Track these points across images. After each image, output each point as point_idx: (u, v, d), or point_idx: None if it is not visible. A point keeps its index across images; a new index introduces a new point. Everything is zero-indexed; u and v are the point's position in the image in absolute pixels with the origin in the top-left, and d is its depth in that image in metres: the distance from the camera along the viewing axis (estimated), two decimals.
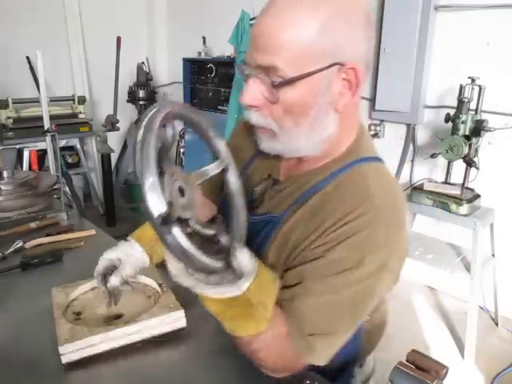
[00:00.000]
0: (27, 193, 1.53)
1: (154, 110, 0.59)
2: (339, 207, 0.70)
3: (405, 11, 2.54)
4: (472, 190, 2.37)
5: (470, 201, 2.26)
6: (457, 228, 2.43)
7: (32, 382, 0.81)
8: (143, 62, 4.01)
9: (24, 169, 3.20)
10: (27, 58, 3.63)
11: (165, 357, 0.86)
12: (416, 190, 2.45)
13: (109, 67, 3.74)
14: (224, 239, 0.65)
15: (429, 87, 2.65)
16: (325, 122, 0.70)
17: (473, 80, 2.20)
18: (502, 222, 2.41)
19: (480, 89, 2.21)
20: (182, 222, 0.58)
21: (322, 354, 0.73)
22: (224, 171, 0.72)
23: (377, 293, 0.73)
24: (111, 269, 0.88)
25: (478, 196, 2.34)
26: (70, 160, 3.79)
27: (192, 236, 0.60)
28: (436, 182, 2.52)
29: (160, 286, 0.98)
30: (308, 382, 0.79)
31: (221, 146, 0.72)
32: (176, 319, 0.89)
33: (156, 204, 0.53)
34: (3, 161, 3.01)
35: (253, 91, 0.68)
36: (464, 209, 2.24)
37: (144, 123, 0.58)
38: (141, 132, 0.57)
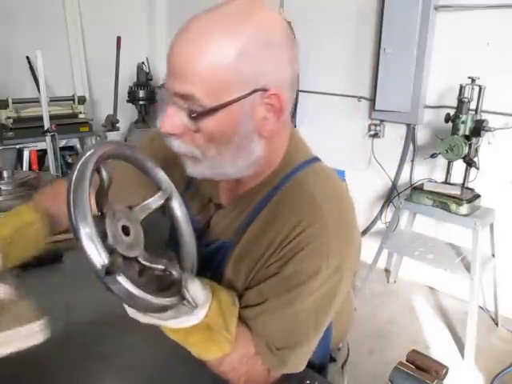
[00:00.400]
0: (27, 193, 1.53)
1: (87, 154, 0.57)
2: (286, 222, 0.69)
3: (405, 11, 2.54)
4: (472, 190, 2.37)
5: (470, 201, 2.27)
6: (457, 228, 2.43)
7: (32, 382, 0.81)
8: (143, 62, 4.01)
9: (24, 169, 3.20)
10: (27, 57, 3.63)
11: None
12: (416, 190, 2.45)
13: (109, 67, 3.74)
14: (175, 271, 0.62)
15: (429, 87, 2.65)
16: (249, 148, 0.68)
17: (473, 80, 2.20)
18: (502, 222, 2.41)
19: (480, 89, 2.21)
20: (130, 262, 0.57)
21: (295, 365, 0.74)
22: (168, 200, 0.70)
23: (338, 293, 0.73)
24: None
25: (478, 196, 2.34)
26: (69, 160, 3.78)
27: (142, 272, 0.60)
28: (436, 182, 2.53)
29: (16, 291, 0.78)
30: (308, 382, 0.79)
31: (160, 175, 0.70)
32: (33, 332, 0.72)
33: (96, 256, 0.51)
34: (3, 161, 3.01)
35: (172, 119, 0.64)
36: (464, 209, 2.24)
37: (77, 168, 0.55)
38: (73, 178, 0.54)
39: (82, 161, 0.56)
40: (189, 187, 0.85)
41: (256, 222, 0.74)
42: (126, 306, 0.59)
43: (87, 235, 0.51)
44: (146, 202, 0.66)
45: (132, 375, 0.84)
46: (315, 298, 0.70)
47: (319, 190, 0.72)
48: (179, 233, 0.72)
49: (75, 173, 0.54)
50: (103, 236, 0.54)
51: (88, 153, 0.57)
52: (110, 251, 0.53)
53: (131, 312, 0.60)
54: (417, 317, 2.57)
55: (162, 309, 0.58)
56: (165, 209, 0.71)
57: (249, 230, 0.75)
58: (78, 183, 0.53)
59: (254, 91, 0.62)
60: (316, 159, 0.79)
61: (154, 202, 0.67)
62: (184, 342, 0.65)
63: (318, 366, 0.90)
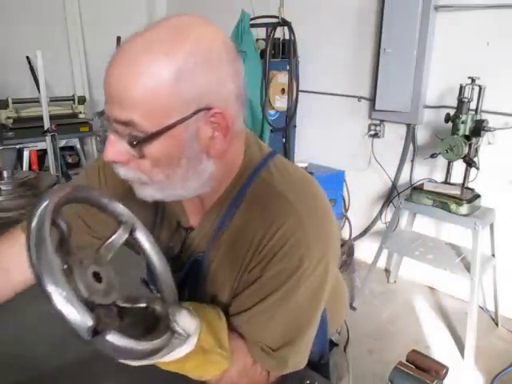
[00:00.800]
0: (27, 193, 1.53)
1: (40, 209, 0.51)
2: (259, 224, 0.68)
3: (405, 11, 2.54)
4: (472, 189, 2.36)
5: (470, 201, 2.26)
6: (457, 228, 2.43)
7: (32, 382, 0.81)
8: None
9: (24, 169, 3.20)
10: (27, 57, 3.63)
11: None
12: (416, 189, 2.45)
13: None
14: (158, 306, 0.59)
15: (429, 87, 2.65)
16: (199, 168, 0.65)
17: (473, 80, 2.20)
18: (502, 222, 2.41)
19: (480, 89, 2.21)
20: (109, 308, 0.53)
21: (296, 363, 0.74)
22: (132, 233, 0.64)
23: (326, 283, 0.72)
24: None
25: (478, 196, 2.34)
26: (70, 160, 3.78)
27: (123, 314, 0.55)
28: (436, 182, 2.53)
29: None
30: (308, 382, 0.79)
31: (118, 208, 0.63)
32: None
33: (79, 319, 0.46)
34: (3, 161, 3.01)
35: (115, 147, 0.61)
36: (464, 209, 2.24)
37: (33, 225, 0.48)
38: (31, 236, 0.48)
39: (36, 219, 0.49)
40: (157, 211, 0.81)
41: (227, 231, 0.72)
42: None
43: (63, 298, 0.46)
44: (109, 240, 0.61)
45: (132, 375, 0.84)
46: (303, 292, 0.68)
47: (285, 185, 0.71)
48: (151, 264, 0.66)
49: (32, 232, 0.48)
50: (77, 291, 0.49)
51: (40, 207, 0.51)
52: (91, 307, 0.49)
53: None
54: (417, 317, 2.57)
55: (157, 351, 0.55)
56: (131, 243, 0.65)
57: (221, 241, 0.73)
58: (39, 244, 0.47)
59: (197, 111, 0.59)
60: (273, 153, 0.76)
61: (118, 237, 0.62)
62: (181, 370, 0.64)
63: (318, 355, 0.90)
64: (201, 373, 0.66)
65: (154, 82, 0.56)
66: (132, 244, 0.65)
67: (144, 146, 0.60)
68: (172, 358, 0.59)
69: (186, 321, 0.59)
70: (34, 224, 0.49)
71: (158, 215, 0.81)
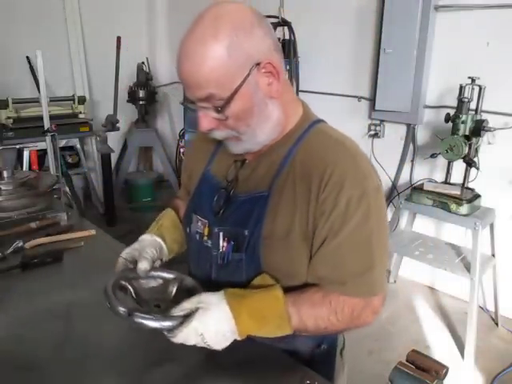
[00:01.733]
0: (27, 193, 1.53)
1: (109, 283, 0.82)
2: (321, 161, 0.82)
3: (405, 11, 2.54)
4: (472, 190, 2.37)
5: (470, 201, 2.27)
6: (457, 228, 2.43)
7: (32, 382, 0.81)
8: (143, 62, 4.01)
9: (24, 169, 3.20)
10: (27, 58, 3.63)
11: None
12: (416, 190, 2.45)
13: (109, 67, 3.74)
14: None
15: (429, 87, 2.65)
16: (268, 111, 0.83)
17: (473, 80, 2.20)
18: (501, 222, 2.41)
19: (480, 89, 2.21)
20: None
21: (382, 285, 0.85)
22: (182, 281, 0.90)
23: (385, 210, 0.87)
24: (132, 263, 0.93)
25: (478, 196, 2.34)
26: (70, 160, 3.78)
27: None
28: (436, 182, 2.53)
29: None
30: (308, 382, 0.79)
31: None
32: None
33: (118, 309, 0.77)
34: (3, 161, 3.01)
35: (205, 119, 0.81)
36: (464, 209, 2.24)
37: (106, 291, 0.80)
38: (106, 294, 0.80)
39: (106, 288, 0.81)
40: (213, 157, 1.00)
41: (289, 170, 0.85)
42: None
43: (114, 304, 0.78)
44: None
45: (132, 375, 0.84)
46: (374, 216, 0.82)
47: (339, 136, 0.88)
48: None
49: (106, 293, 0.80)
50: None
51: (109, 283, 0.83)
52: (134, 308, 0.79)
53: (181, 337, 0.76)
54: (417, 317, 2.57)
55: (174, 326, 0.75)
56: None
57: (283, 179, 0.85)
58: (107, 296, 0.80)
59: (252, 69, 0.77)
60: (323, 120, 0.93)
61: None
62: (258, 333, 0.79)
63: (326, 353, 0.98)
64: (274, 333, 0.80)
65: (215, 62, 0.75)
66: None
67: (225, 109, 0.78)
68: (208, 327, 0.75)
69: (184, 304, 0.77)
70: (106, 291, 0.80)
71: (217, 155, 0.99)
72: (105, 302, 0.79)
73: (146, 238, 0.98)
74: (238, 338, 0.77)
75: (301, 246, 0.84)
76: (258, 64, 0.78)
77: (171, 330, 0.75)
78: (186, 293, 0.86)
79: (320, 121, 0.91)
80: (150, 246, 0.95)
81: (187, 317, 0.75)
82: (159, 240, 0.98)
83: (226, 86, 0.76)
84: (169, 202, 1.15)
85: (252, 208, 0.87)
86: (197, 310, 0.76)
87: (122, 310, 0.76)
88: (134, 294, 0.85)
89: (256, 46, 0.77)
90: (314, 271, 0.85)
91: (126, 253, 0.94)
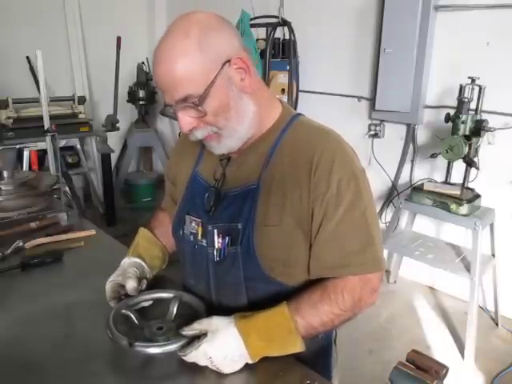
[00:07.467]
0: (27, 193, 1.53)
1: (111, 313, 0.90)
2: (306, 150, 0.86)
3: (405, 11, 2.54)
4: (472, 189, 2.37)
5: (470, 201, 2.26)
6: (457, 228, 2.43)
7: (32, 382, 0.81)
8: (143, 62, 4.01)
9: (24, 169, 3.20)
10: (27, 57, 3.63)
11: None
12: (416, 190, 2.45)
13: (109, 67, 3.74)
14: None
15: (429, 87, 2.65)
16: (244, 105, 0.86)
17: (473, 80, 2.20)
18: (501, 222, 2.41)
19: (480, 89, 2.21)
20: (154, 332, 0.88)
21: (381, 259, 0.88)
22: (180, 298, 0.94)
23: (371, 191, 0.90)
24: (119, 287, 0.97)
25: (478, 196, 2.34)
26: (70, 160, 3.78)
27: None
28: (436, 182, 2.53)
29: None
30: (308, 382, 0.79)
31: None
32: None
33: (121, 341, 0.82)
34: (3, 161, 3.01)
35: (185, 120, 0.84)
36: (464, 209, 2.24)
37: (108, 321, 0.87)
38: (108, 325, 0.86)
39: (109, 318, 0.88)
40: (200, 158, 1.02)
41: (276, 162, 0.88)
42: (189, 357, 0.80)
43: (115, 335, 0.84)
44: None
45: (132, 375, 0.84)
46: (365, 194, 0.86)
47: (320, 125, 0.93)
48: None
49: (107, 324, 0.87)
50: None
51: (111, 313, 0.90)
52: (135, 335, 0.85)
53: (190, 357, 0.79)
54: (417, 317, 2.57)
55: (180, 348, 0.80)
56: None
57: (268, 171, 0.88)
58: (108, 327, 0.86)
59: (223, 64, 0.81)
60: (303, 114, 0.97)
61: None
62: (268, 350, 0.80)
63: (324, 342, 1.00)
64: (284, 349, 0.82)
65: (187, 59, 0.78)
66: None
67: (203, 103, 0.81)
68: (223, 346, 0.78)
69: (194, 325, 0.81)
70: (107, 323, 0.87)
71: (203, 156, 1.01)
72: (107, 334, 0.84)
73: (125, 261, 1.02)
74: (250, 362, 0.79)
75: (295, 231, 0.86)
76: (228, 61, 0.82)
77: (181, 349, 0.80)
78: (187, 308, 0.93)
79: (300, 114, 0.96)
80: (131, 267, 0.99)
81: (196, 338, 0.80)
82: (138, 260, 1.02)
83: (200, 83, 0.79)
84: (147, 221, 1.18)
85: (243, 202, 0.89)
86: (206, 333, 0.79)
87: (123, 342, 0.81)
88: (136, 321, 0.89)
89: (225, 43, 0.82)
90: (316, 259, 0.87)
91: (111, 281, 0.98)
